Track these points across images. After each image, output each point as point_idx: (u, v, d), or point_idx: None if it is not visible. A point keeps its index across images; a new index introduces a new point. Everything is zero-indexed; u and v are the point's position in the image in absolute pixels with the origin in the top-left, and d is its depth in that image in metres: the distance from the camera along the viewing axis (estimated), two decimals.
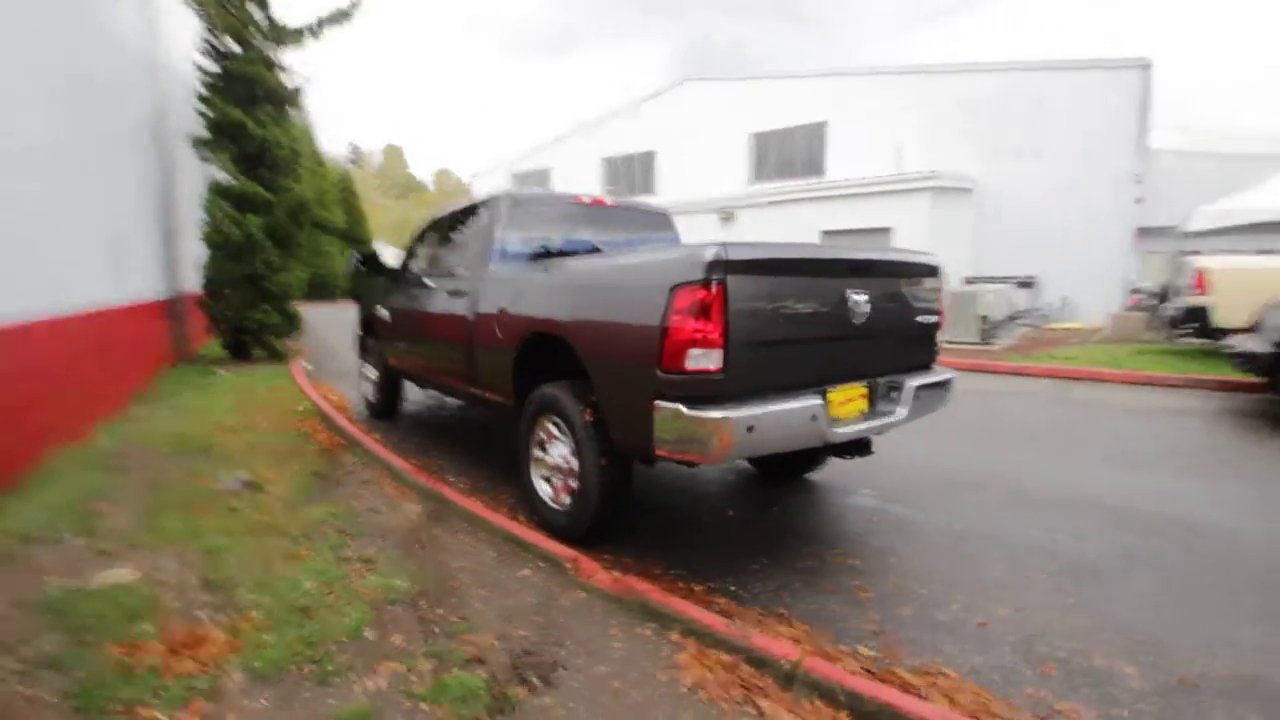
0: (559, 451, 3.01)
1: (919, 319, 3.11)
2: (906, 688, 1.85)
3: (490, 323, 3.52)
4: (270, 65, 8.10)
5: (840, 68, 17.56)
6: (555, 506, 3.06)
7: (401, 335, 5.04)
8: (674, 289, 2.30)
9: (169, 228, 7.86)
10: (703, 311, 2.26)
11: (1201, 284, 7.50)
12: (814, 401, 2.53)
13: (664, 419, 2.35)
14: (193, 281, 8.86)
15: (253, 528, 3.04)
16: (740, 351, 2.34)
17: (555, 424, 3.04)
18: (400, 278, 5.19)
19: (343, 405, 6.21)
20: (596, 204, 4.31)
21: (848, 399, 2.74)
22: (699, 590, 2.56)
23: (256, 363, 8.39)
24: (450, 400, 6.52)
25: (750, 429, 2.31)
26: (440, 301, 4.23)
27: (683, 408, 2.29)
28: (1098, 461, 4.42)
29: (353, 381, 7.46)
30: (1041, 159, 14.79)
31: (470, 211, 4.35)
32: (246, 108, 7.91)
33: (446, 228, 4.56)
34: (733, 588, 2.60)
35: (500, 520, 3.07)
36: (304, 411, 5.73)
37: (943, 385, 3.19)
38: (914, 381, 2.99)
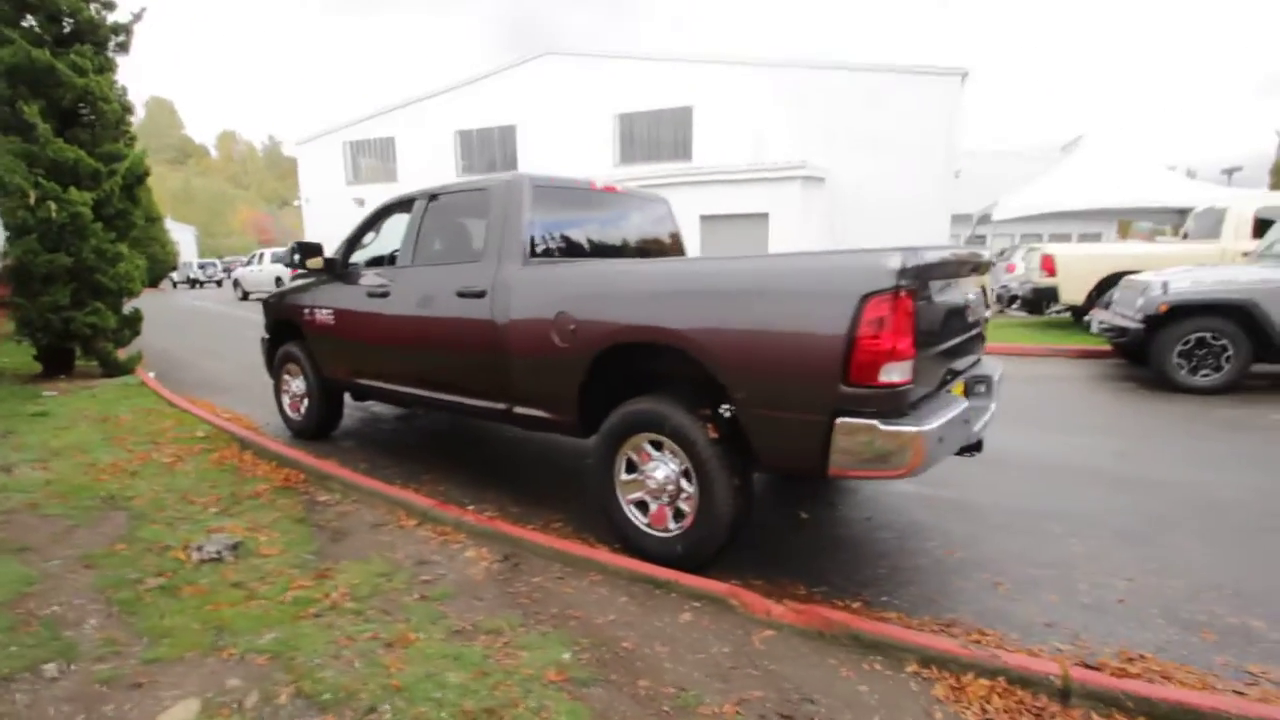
0: (662, 473, 2.71)
1: (985, 312, 3.25)
2: (1165, 679, 1.92)
3: (540, 329, 3.06)
4: None
5: (706, 54, 17.99)
6: (658, 533, 2.76)
7: (352, 341, 4.24)
8: (865, 298, 2.13)
9: None
10: (895, 321, 2.13)
11: (1049, 267, 8.88)
12: (965, 404, 2.53)
13: (850, 436, 2.19)
14: None
15: (293, 608, 2.36)
16: (920, 359, 2.26)
17: (656, 443, 2.74)
18: (347, 273, 4.36)
19: (251, 425, 5.14)
20: (608, 191, 3.93)
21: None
22: (858, 606, 2.47)
23: (88, 378, 6.65)
24: (382, 409, 5.69)
25: (940, 439, 2.25)
26: (436, 302, 3.60)
27: (877, 423, 2.16)
28: (1024, 426, 4.93)
29: (235, 395, 6.27)
30: (878, 151, 16.46)
31: (466, 195, 3.75)
32: (55, 49, 6.10)
33: (427, 214, 3.88)
34: (885, 598, 2.54)
35: (612, 558, 2.70)
36: (208, 438, 4.65)
37: (1000, 376, 3.38)
38: (997, 374, 3.12)
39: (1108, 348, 7.48)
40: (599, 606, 2.40)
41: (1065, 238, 23.84)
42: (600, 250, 3.81)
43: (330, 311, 4.36)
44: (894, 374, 2.15)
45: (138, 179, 6.73)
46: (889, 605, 2.50)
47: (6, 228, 6.09)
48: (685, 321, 2.53)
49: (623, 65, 18.79)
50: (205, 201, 68.32)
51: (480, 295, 3.33)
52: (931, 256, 2.27)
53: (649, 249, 4.15)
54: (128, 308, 7.04)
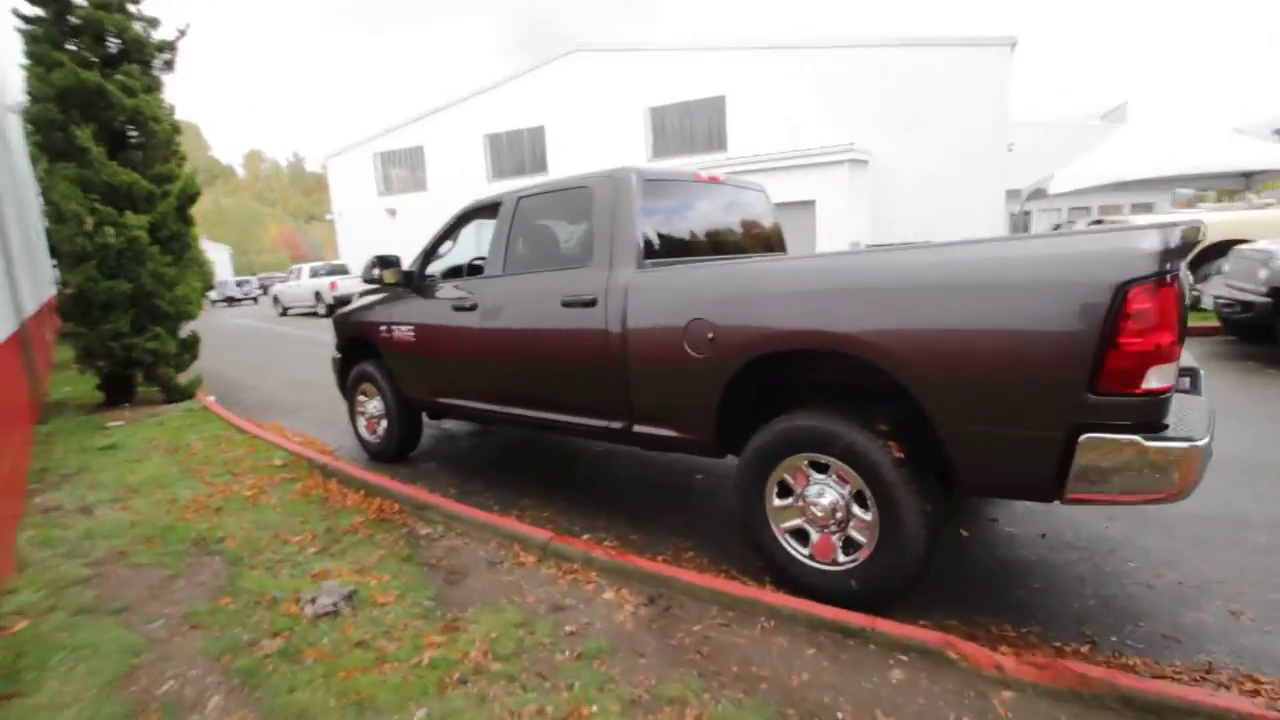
0: (829, 498, 2.35)
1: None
2: None
3: (667, 339, 2.72)
4: (126, 9, 6.14)
5: (736, 40, 17.50)
6: (824, 566, 2.40)
7: (436, 358, 3.96)
8: (1123, 288, 1.74)
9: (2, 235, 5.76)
10: (1161, 314, 1.73)
11: None
12: (1208, 405, 2.14)
13: (1101, 454, 1.81)
14: (32, 302, 6.74)
15: (433, 673, 2.06)
16: None
17: (818, 464, 2.38)
18: (425, 285, 4.08)
19: (326, 449, 4.91)
20: (712, 181, 3.57)
21: None
22: (1088, 651, 2.08)
23: (150, 404, 6.52)
24: (455, 425, 5.42)
25: (1210, 455, 1.85)
26: (537, 313, 3.29)
27: (1141, 439, 1.77)
28: None
29: (299, 416, 6.07)
30: (924, 130, 15.81)
31: (562, 195, 3.43)
32: (103, 70, 5.95)
33: (516, 219, 3.57)
34: (1114, 638, 2.15)
35: (782, 599, 2.34)
36: (287, 466, 4.42)
37: None
38: (1199, 366, 2.70)
39: (1215, 324, 6.89)
40: (785, 663, 2.05)
41: (1116, 209, 22.83)
42: (713, 247, 3.46)
43: (411, 328, 4.09)
44: (1158, 379, 1.76)
45: (190, 199, 6.56)
46: (1122, 647, 2.11)
47: (64, 256, 5.96)
48: (865, 324, 2.16)
49: (651, 58, 18.38)
50: (236, 220, 69.62)
51: (590, 304, 3.01)
52: (1185, 234, 1.87)
53: (755, 242, 3.79)
54: (184, 331, 6.89)
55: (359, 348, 4.71)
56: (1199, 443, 1.77)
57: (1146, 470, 1.78)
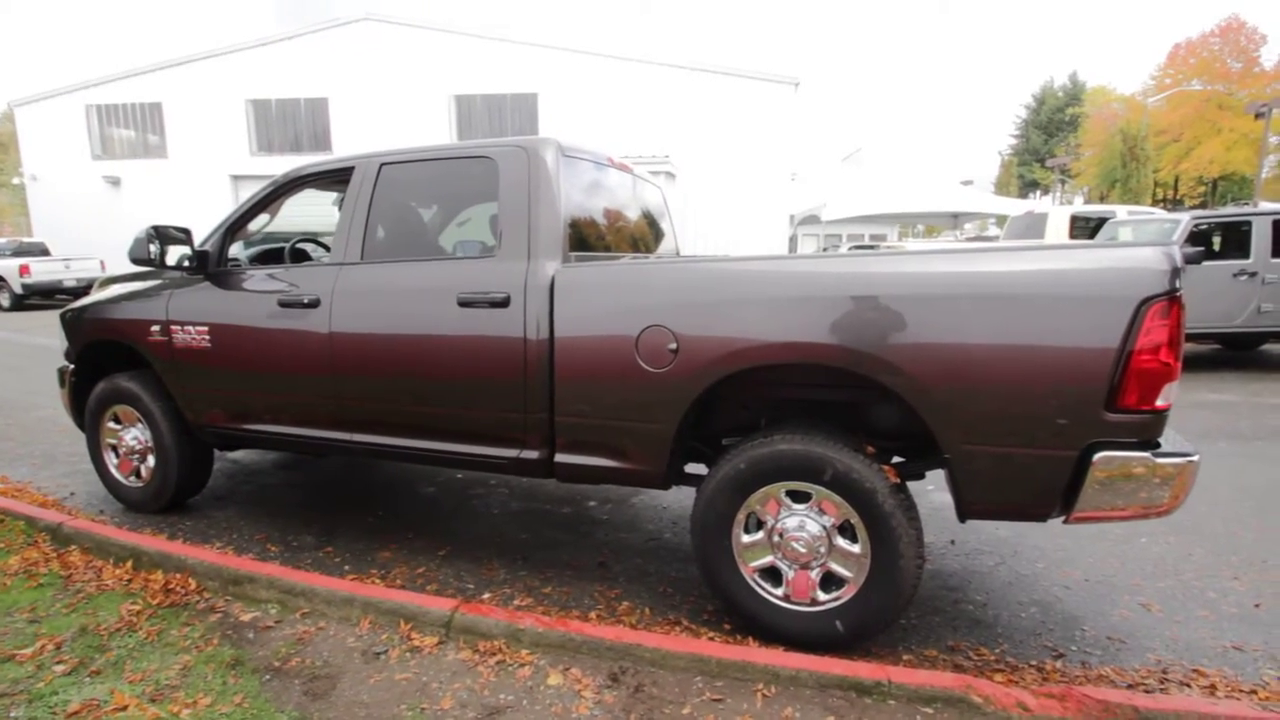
0: (813, 530, 2.08)
1: None
2: None
3: (612, 350, 2.23)
4: None
5: (552, 40, 17.00)
6: (801, 608, 2.13)
7: (251, 370, 2.95)
8: (1144, 304, 1.71)
9: None
10: (1173, 331, 1.74)
11: None
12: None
13: (1115, 471, 1.77)
14: None
15: None
16: None
17: (796, 493, 2.10)
18: (228, 272, 3.04)
19: (44, 498, 3.47)
20: (622, 169, 3.14)
21: None
22: (1061, 666, 2.07)
23: None
24: (251, 455, 4.22)
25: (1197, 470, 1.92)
26: (418, 313, 2.56)
27: (1150, 455, 1.76)
28: None
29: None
30: (724, 150, 16.97)
31: (448, 165, 2.73)
32: None
33: (380, 192, 2.75)
34: (1083, 650, 2.18)
35: (781, 658, 1.97)
36: None
37: None
38: None
39: None
40: None
41: (858, 237, 27.03)
42: (626, 243, 3.03)
43: (204, 329, 2.99)
44: (1167, 396, 1.77)
45: None
46: (1086, 656, 2.14)
47: None
48: (872, 336, 1.91)
49: (459, 42, 17.08)
50: None
51: (501, 303, 2.39)
52: (1179, 253, 1.92)
53: (653, 242, 3.44)
54: None
55: (106, 356, 3.39)
56: (1194, 457, 1.81)
57: (1151, 486, 1.78)
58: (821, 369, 2.02)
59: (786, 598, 2.15)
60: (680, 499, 3.42)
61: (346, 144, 17.68)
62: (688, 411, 2.18)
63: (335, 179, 2.94)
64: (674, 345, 2.15)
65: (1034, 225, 9.80)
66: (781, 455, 2.08)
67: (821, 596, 2.11)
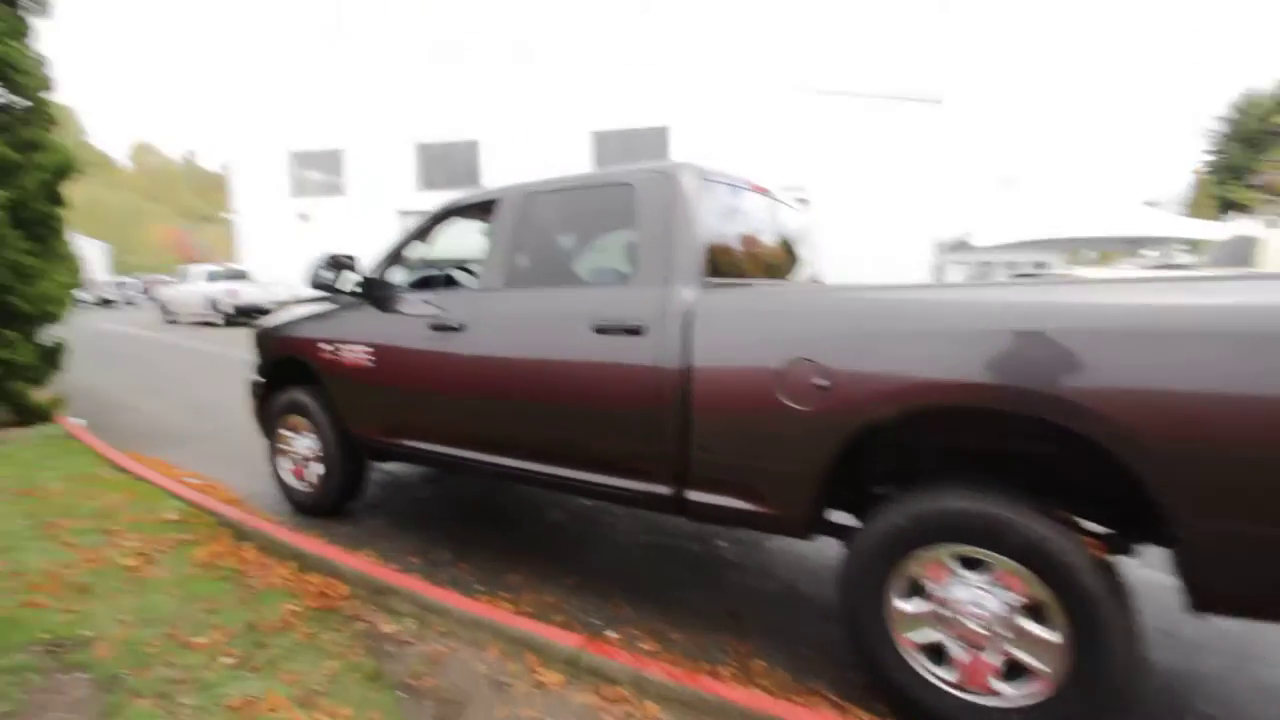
0: (987, 606, 1.78)
1: None
2: None
3: (752, 383, 2.09)
4: None
5: (682, 69, 17.41)
6: (975, 699, 1.81)
7: (401, 389, 3.13)
8: None
9: None
10: None
11: None
12: None
13: None
14: None
15: None
16: None
17: (968, 560, 1.81)
18: (389, 297, 3.26)
19: (231, 496, 3.87)
20: (759, 191, 3.02)
21: None
22: None
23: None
24: (397, 467, 4.48)
25: None
26: (554, 340, 2.57)
27: None
28: None
29: (193, 449, 4.95)
30: (861, 174, 16.28)
31: (591, 194, 2.75)
32: None
33: (525, 221, 2.84)
34: None
35: None
36: (182, 523, 3.39)
37: None
38: None
39: None
40: None
41: (1014, 266, 24.58)
42: (767, 270, 2.89)
43: (367, 349, 3.23)
44: None
45: (62, 174, 5.32)
46: None
47: None
48: (1084, 379, 1.60)
49: (597, 78, 18.00)
50: (116, 216, 63.08)
51: (636, 331, 2.33)
52: None
53: (793, 268, 3.26)
54: (49, 336, 5.54)
55: (288, 371, 3.76)
56: None
57: None
58: (1003, 415, 1.74)
59: (958, 684, 1.85)
60: (819, 548, 3.15)
61: (494, 181, 19.09)
62: (836, 455, 1.98)
63: (483, 210, 3.08)
64: (823, 381, 1.96)
65: (1241, 250, 8.34)
66: (954, 514, 1.81)
67: (1009, 691, 1.79)
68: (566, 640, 2.18)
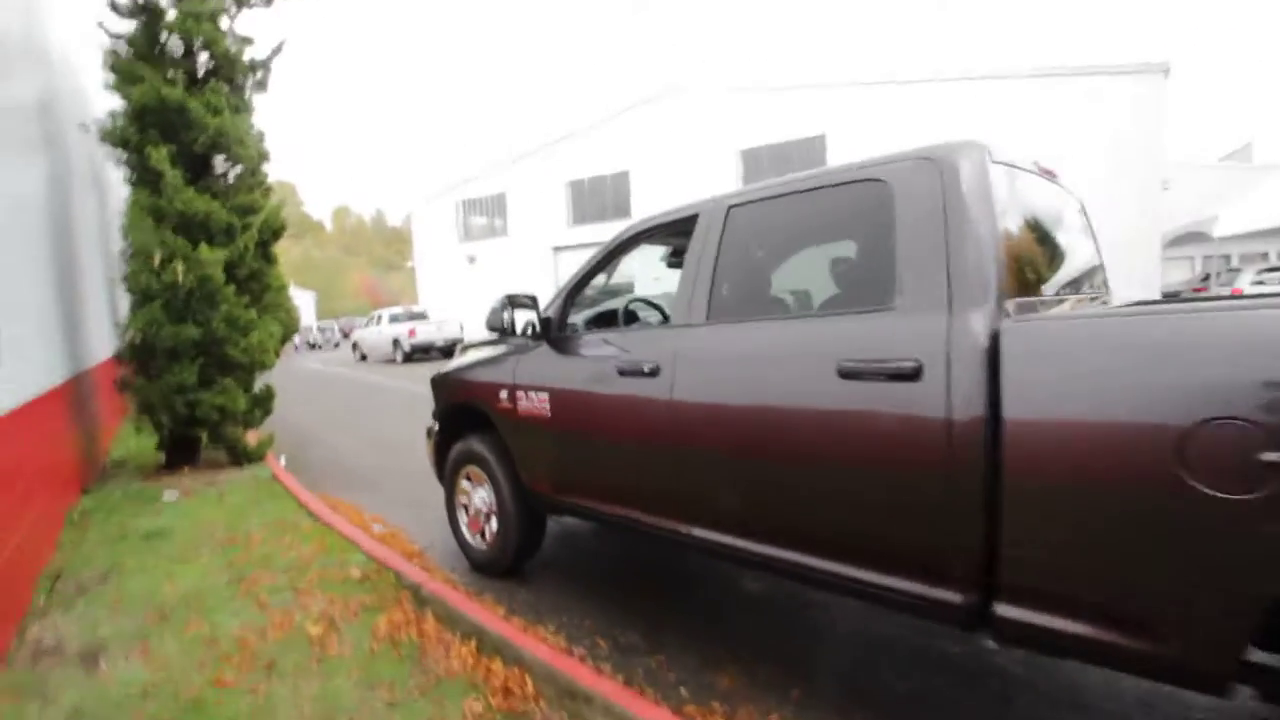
0: None
1: None
2: None
3: (1134, 449, 1.36)
4: (216, 20, 5.49)
5: (835, 77, 16.46)
6: None
7: (582, 439, 2.72)
8: None
9: (64, 267, 5.03)
10: None
11: None
12: None
13: None
14: (99, 347, 6.00)
15: None
16: None
17: None
18: (566, 337, 2.89)
19: (412, 548, 3.71)
20: (1048, 176, 2.25)
21: None
22: None
23: (215, 468, 5.59)
24: (579, 525, 4.12)
25: None
26: (781, 385, 2.00)
27: None
28: None
29: (379, 490, 4.98)
30: (1064, 167, 14.08)
31: (820, 197, 2.16)
32: (188, 87, 5.27)
33: (728, 239, 2.32)
34: None
35: None
36: (366, 581, 3.23)
37: None
38: None
39: None
40: None
41: (1256, 259, 19.97)
42: (1055, 283, 2.12)
43: (544, 394, 2.88)
44: None
45: (274, 234, 5.78)
46: None
47: (135, 295, 5.18)
48: None
49: (744, 98, 17.54)
50: (323, 270, 73.58)
51: (909, 375, 1.69)
52: None
53: (1089, 276, 2.43)
54: (259, 383, 6.01)
55: (465, 418, 3.55)
56: None
57: None
58: None
59: None
60: None
61: (644, 210, 19.23)
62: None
63: (676, 230, 2.62)
64: (1273, 456, 1.19)
65: None
66: None
67: None
68: None
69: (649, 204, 19.15)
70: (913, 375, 1.68)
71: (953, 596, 1.67)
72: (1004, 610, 1.60)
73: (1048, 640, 1.55)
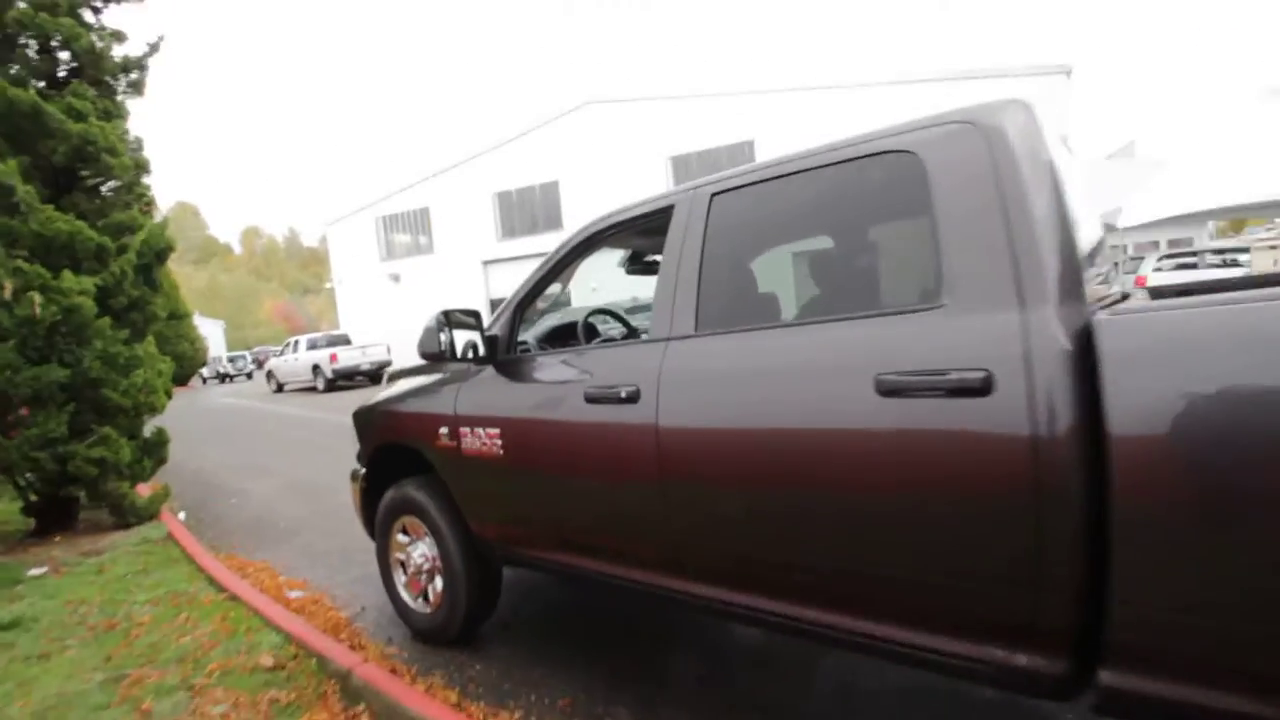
0: None
1: None
2: None
3: None
4: (78, 13, 4.71)
5: (765, 84, 16.60)
6: None
7: (548, 478, 2.27)
8: None
9: None
10: None
11: None
12: None
13: None
14: None
15: None
16: None
17: None
18: (517, 360, 2.44)
19: (339, 617, 3.13)
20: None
21: None
22: None
23: (96, 532, 4.75)
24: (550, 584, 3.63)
25: None
26: (802, 406, 1.62)
27: None
28: None
29: (297, 543, 4.33)
30: None
31: (827, 174, 1.79)
32: (45, 91, 4.48)
33: (713, 232, 1.94)
34: None
35: None
36: (280, 670, 2.64)
37: None
38: None
39: None
40: None
41: (1149, 248, 21.58)
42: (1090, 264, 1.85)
43: (495, 429, 2.40)
44: None
45: (158, 255, 4.99)
46: None
47: None
48: None
49: (672, 105, 17.46)
50: (232, 296, 69.18)
51: (973, 390, 1.34)
52: None
53: (1095, 250, 2.18)
54: (149, 428, 5.19)
55: (397, 460, 3.01)
56: None
57: None
58: None
59: None
60: None
61: (576, 219, 18.80)
62: None
63: (644, 228, 2.21)
64: None
65: None
66: None
67: None
68: None
69: (580, 213, 18.75)
70: (981, 389, 1.33)
71: (1041, 664, 1.33)
72: (1110, 679, 1.26)
73: (1172, 714, 1.23)
